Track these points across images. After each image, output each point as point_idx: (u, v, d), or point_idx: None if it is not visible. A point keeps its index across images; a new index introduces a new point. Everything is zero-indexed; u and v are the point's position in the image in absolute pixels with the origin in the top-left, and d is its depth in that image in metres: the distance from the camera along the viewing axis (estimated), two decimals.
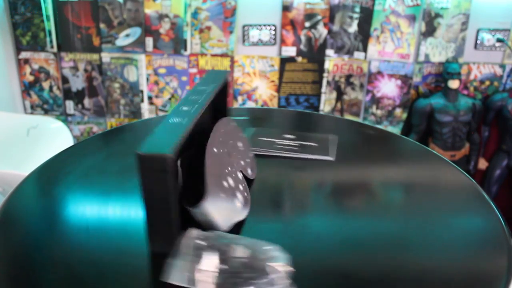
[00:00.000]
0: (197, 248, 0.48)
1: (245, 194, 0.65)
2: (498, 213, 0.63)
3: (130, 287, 0.50)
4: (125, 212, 0.63)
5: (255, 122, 0.98)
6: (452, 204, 0.68)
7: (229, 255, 0.47)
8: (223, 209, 0.58)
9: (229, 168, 0.67)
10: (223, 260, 0.46)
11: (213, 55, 2.07)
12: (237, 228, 0.59)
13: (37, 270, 0.52)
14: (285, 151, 0.80)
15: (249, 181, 0.68)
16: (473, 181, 0.72)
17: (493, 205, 0.65)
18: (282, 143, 0.83)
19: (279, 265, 0.46)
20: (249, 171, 0.70)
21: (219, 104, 0.73)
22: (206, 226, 0.56)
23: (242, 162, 0.70)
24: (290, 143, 0.83)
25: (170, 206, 0.51)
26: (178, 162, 0.53)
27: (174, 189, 0.51)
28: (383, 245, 0.57)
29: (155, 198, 0.50)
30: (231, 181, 0.66)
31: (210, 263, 0.46)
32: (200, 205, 0.55)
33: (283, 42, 2.05)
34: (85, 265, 0.53)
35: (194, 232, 0.50)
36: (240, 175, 0.68)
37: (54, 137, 1.64)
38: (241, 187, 0.66)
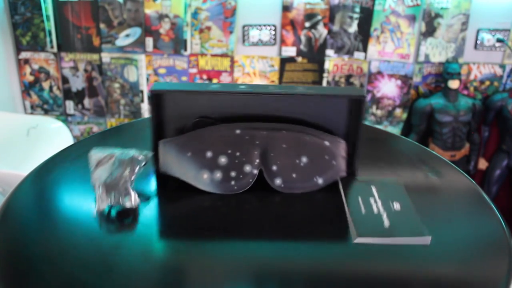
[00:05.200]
0: None
1: (227, 178, 0.65)
2: (498, 214, 0.63)
3: (128, 285, 0.50)
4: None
5: None
6: (453, 206, 0.68)
7: None
8: (179, 162, 0.67)
9: (237, 153, 0.66)
10: None
11: (213, 55, 2.07)
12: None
13: (36, 268, 0.52)
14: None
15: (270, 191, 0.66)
16: (474, 182, 0.72)
17: (494, 207, 0.65)
18: None
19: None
20: (277, 181, 0.66)
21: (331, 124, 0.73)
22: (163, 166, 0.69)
23: (274, 167, 0.66)
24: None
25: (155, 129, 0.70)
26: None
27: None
28: (382, 247, 0.57)
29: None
30: (222, 159, 0.66)
31: None
32: (161, 143, 0.68)
33: (283, 42, 2.05)
34: (84, 264, 0.53)
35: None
36: (248, 168, 0.66)
37: (54, 137, 1.64)
38: (233, 173, 0.66)
